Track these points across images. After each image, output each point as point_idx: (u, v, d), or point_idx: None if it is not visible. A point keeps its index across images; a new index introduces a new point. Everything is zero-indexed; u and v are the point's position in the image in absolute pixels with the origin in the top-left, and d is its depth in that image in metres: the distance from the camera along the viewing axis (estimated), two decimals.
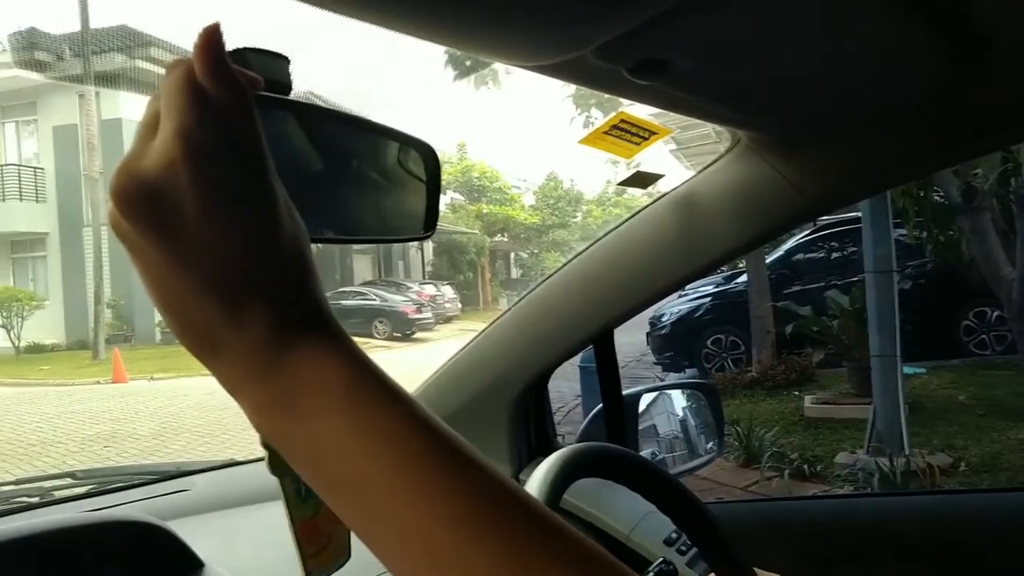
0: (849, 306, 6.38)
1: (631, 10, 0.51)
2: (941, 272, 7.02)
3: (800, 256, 8.55)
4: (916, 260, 7.11)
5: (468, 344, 1.24)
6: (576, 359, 2.33)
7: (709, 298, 8.48)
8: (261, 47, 0.48)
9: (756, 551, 0.85)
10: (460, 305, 21.26)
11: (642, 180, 0.99)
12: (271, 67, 0.46)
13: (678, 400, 1.52)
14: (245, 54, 0.46)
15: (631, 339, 9.31)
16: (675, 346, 8.43)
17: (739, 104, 0.77)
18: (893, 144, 0.85)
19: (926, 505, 1.29)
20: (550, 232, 29.32)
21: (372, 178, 0.54)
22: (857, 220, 6.54)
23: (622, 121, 0.79)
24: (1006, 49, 0.69)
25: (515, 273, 30.51)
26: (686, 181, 1.02)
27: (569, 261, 1.14)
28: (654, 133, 0.81)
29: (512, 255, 31.21)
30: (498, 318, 1.22)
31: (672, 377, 8.13)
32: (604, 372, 1.18)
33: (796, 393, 6.68)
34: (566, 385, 7.17)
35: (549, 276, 1.17)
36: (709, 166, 0.98)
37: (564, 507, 1.11)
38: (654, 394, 1.39)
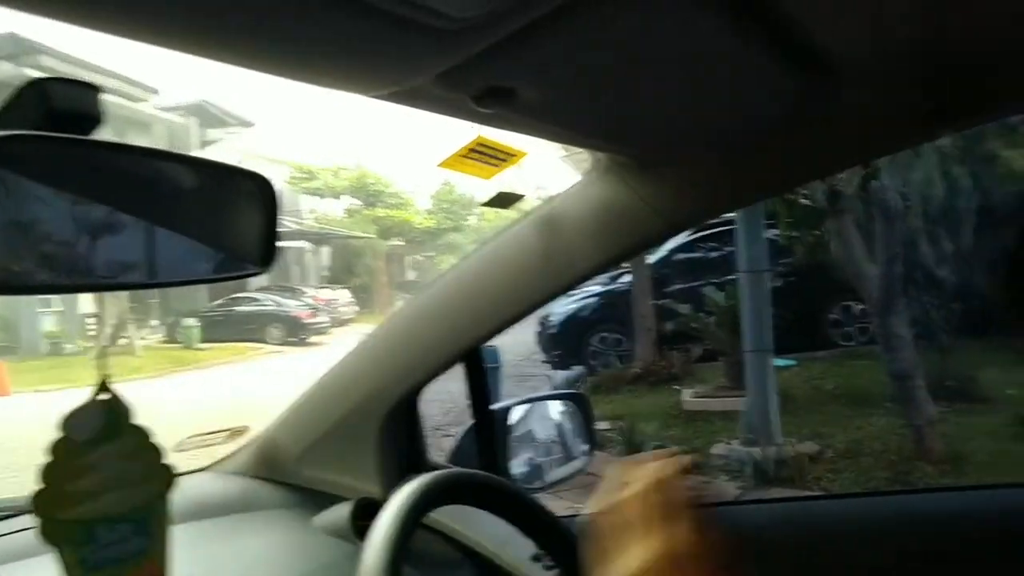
0: (725, 303, 6.71)
1: (468, 40, 0.50)
2: (810, 270, 7.50)
3: (681, 256, 8.93)
4: (787, 259, 7.58)
5: (338, 362, 1.20)
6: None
7: (596, 297, 8.75)
8: (67, 76, 0.45)
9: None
10: (357, 308, 21.28)
11: (504, 200, 0.99)
12: (77, 98, 0.43)
13: (553, 408, 1.54)
14: (46, 85, 0.42)
15: (520, 338, 9.43)
16: (563, 344, 8.64)
17: (592, 130, 0.78)
18: (749, 165, 0.87)
19: (915, 504, 1.32)
20: (444, 235, 29.49)
21: (198, 216, 0.51)
22: (733, 222, 6.93)
23: (479, 144, 0.79)
24: (851, 76, 0.73)
25: (411, 275, 30.48)
26: (552, 199, 1.03)
27: (438, 279, 1.13)
28: (512, 155, 0.82)
29: (408, 258, 31.20)
30: (368, 336, 1.19)
31: (559, 375, 8.32)
32: (473, 388, 1.18)
33: (676, 388, 6.96)
34: (455, 385, 7.15)
35: (418, 294, 1.16)
36: (572, 186, 1.00)
37: (433, 526, 1.10)
38: (526, 406, 1.40)
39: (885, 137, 0.77)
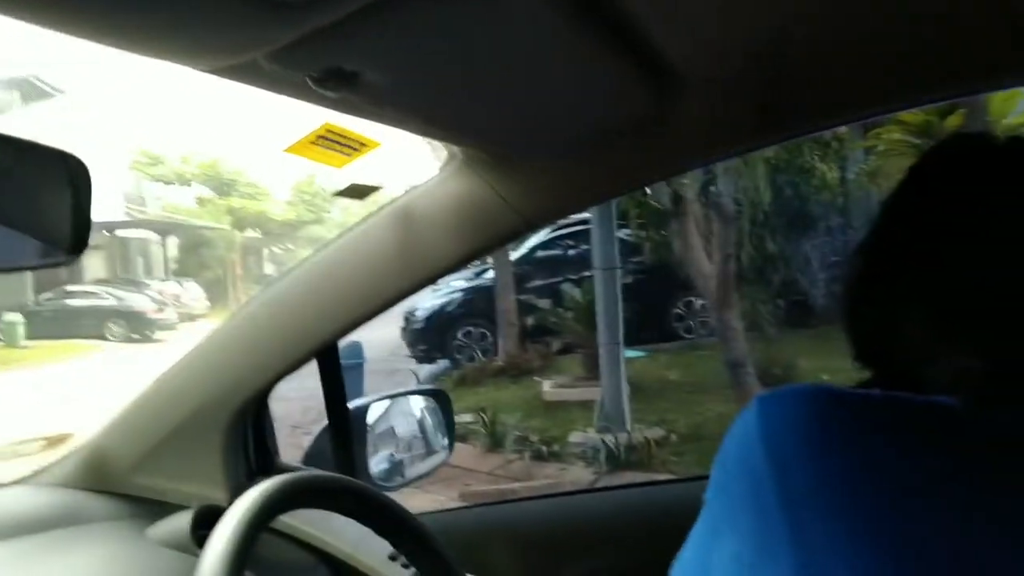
0: (581, 299, 6.95)
1: (306, 15, 0.47)
2: (657, 267, 7.94)
3: (542, 254, 9.18)
4: (637, 257, 7.98)
5: (178, 361, 1.12)
6: None
7: (460, 293, 8.81)
8: None
9: (477, 559, 0.87)
10: (208, 303, 20.16)
11: (357, 192, 0.96)
12: None
13: (416, 403, 1.53)
14: None
15: (385, 334, 9.31)
16: (428, 339, 8.63)
17: (443, 122, 0.77)
18: (601, 164, 0.89)
19: (647, 496, 1.40)
20: (305, 228, 28.49)
21: None
22: (589, 222, 7.21)
23: (328, 131, 0.75)
24: (694, 81, 0.76)
25: (269, 269, 29.18)
26: (407, 193, 1.01)
27: (286, 274, 1.08)
28: (364, 145, 0.79)
29: (265, 251, 29.87)
30: (213, 332, 1.12)
31: (425, 369, 8.30)
32: (328, 387, 1.14)
33: (537, 379, 7.14)
34: (314, 382, 6.94)
35: (266, 289, 1.10)
36: (428, 180, 0.98)
37: (283, 530, 1.06)
38: (386, 402, 1.37)
39: (727, 141, 0.82)
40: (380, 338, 8.40)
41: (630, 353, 6.00)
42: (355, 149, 0.80)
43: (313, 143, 0.75)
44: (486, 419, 5.47)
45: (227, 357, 1.07)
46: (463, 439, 5.17)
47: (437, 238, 0.96)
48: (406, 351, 9.02)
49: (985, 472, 0.44)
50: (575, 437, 5.37)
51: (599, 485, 4.28)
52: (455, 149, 0.93)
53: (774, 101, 0.78)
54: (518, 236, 0.95)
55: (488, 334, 8.50)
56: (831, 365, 6.45)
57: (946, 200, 0.52)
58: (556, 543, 1.13)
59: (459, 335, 8.59)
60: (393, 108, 0.67)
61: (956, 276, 0.50)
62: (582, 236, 8.76)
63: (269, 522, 0.71)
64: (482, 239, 0.95)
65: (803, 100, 0.79)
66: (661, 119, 0.82)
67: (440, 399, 1.47)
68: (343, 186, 0.95)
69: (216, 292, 21.55)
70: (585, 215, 7.85)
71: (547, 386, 6.69)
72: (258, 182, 27.32)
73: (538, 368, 7.47)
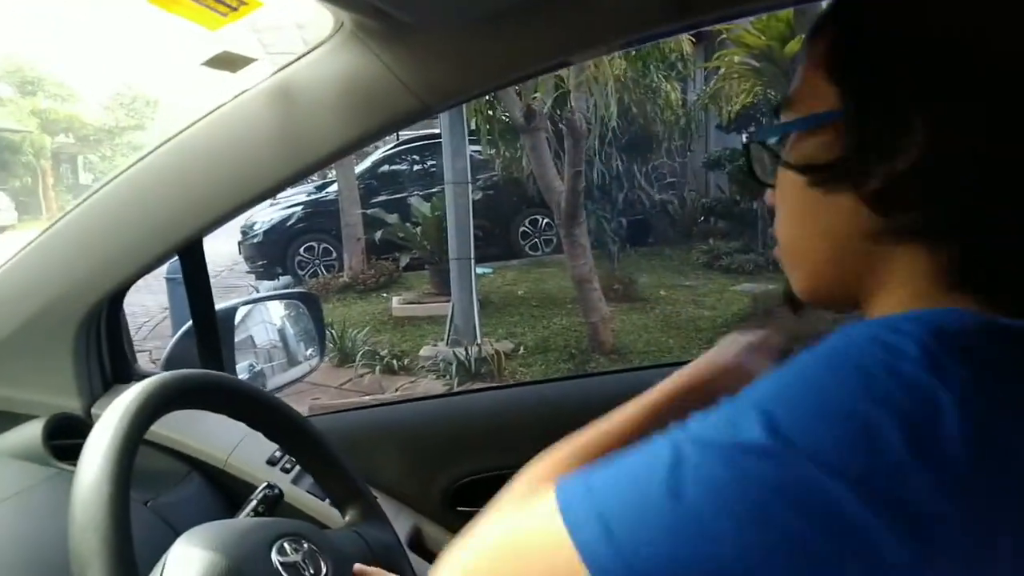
0: (430, 214, 6.87)
1: None
2: (506, 184, 8.01)
3: (386, 168, 8.95)
4: (485, 173, 7.98)
5: (18, 256, 0.97)
6: (162, 269, 2.05)
7: (301, 207, 8.43)
8: None
9: (366, 458, 0.85)
10: (16, 213, 18.48)
11: (230, 62, 0.85)
12: None
13: (276, 310, 1.44)
14: None
15: (222, 248, 8.77)
16: (268, 254, 8.23)
17: None
18: (507, 41, 0.83)
19: (527, 394, 1.42)
20: (124, 134, 25.79)
21: None
22: (435, 136, 7.05)
23: None
24: None
25: (85, 178, 26.25)
26: (283, 68, 0.91)
27: (141, 158, 0.95)
28: (244, 3, 0.69)
29: (81, 158, 26.80)
30: (51, 226, 0.98)
31: (266, 285, 7.94)
32: (193, 287, 1.04)
33: (384, 295, 7.06)
34: (151, 298, 6.44)
35: (117, 175, 0.97)
36: (310, 52, 0.89)
37: (150, 439, 0.97)
38: (251, 306, 1.29)
39: (636, 24, 0.80)
40: (215, 252, 7.90)
41: (478, 270, 6.06)
42: (234, 9, 0.70)
43: None
44: (334, 334, 5.36)
45: (76, 252, 0.94)
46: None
47: (321, 118, 0.88)
48: (244, 266, 8.58)
49: None
50: (426, 351, 5.40)
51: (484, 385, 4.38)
52: (342, 16, 0.84)
53: None
54: (412, 119, 0.88)
55: (332, 249, 8.23)
56: (668, 282, 6.94)
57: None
58: (443, 442, 1.13)
59: (300, 250, 8.26)
60: None
61: None
62: (428, 150, 8.62)
63: (150, 426, 0.64)
64: (371, 121, 0.88)
65: None
66: None
67: (309, 303, 1.40)
68: (212, 55, 0.84)
69: (26, 201, 19.49)
70: (432, 129, 7.72)
71: (396, 302, 6.64)
72: (67, 82, 24.35)
73: (385, 284, 7.39)
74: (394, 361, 5.22)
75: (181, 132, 0.93)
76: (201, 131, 0.93)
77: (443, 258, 6.10)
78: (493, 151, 7.22)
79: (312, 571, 0.69)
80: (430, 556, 1.08)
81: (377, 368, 5.13)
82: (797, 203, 0.47)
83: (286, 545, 0.68)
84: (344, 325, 5.66)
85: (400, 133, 8.90)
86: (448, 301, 5.63)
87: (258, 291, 7.52)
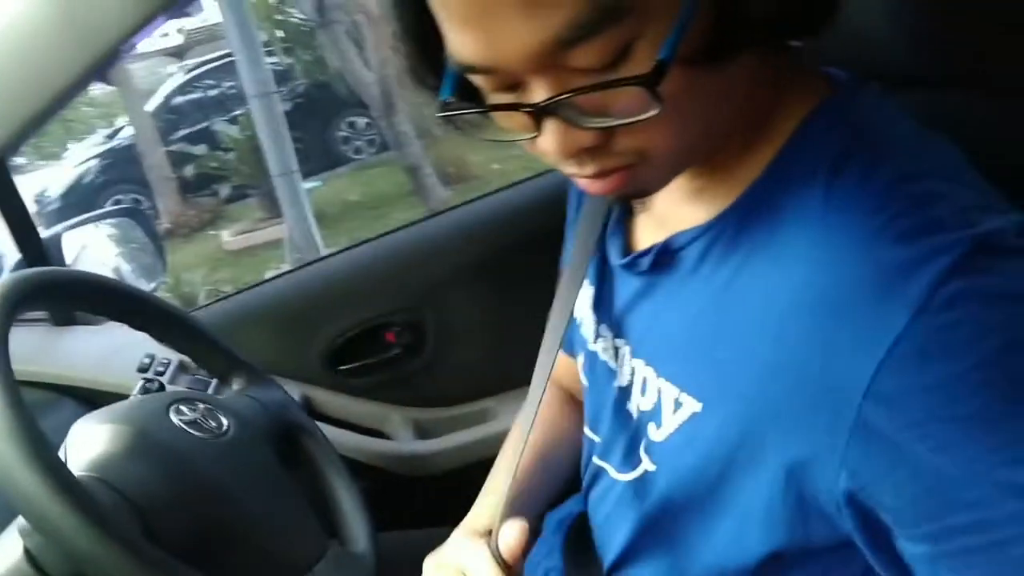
0: (240, 135, 6.49)
1: None
2: (313, 90, 7.61)
3: (180, 99, 8.22)
4: (288, 84, 7.53)
5: None
6: None
7: (96, 160, 7.65)
8: None
9: (238, 343, 0.88)
10: None
11: None
12: None
13: (106, 231, 1.39)
14: None
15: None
16: (68, 217, 7.46)
17: None
18: None
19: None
20: None
21: None
22: (225, 55, 6.52)
23: None
24: None
25: None
26: None
27: None
28: None
29: None
30: None
31: None
32: (11, 215, 0.99)
33: (213, 232, 6.71)
34: None
35: None
36: None
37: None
38: (77, 230, 1.24)
39: None
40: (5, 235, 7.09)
41: (306, 185, 5.85)
42: None
43: None
44: (170, 284, 5.07)
45: None
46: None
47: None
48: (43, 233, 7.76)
49: None
50: (272, 273, 5.26)
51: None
52: None
53: None
54: None
55: (141, 198, 7.61)
56: (500, 154, 7.00)
57: None
58: (310, 310, 1.17)
59: (108, 205, 7.58)
60: None
61: None
62: (222, 71, 7.98)
63: (13, 319, 0.64)
64: None
65: None
66: None
67: (137, 217, 1.37)
68: None
69: None
70: (221, 50, 7.10)
71: (226, 235, 6.34)
72: None
73: (211, 221, 7.00)
74: None
75: None
76: None
77: (266, 179, 5.83)
78: (292, 59, 6.83)
79: (214, 424, 0.73)
80: (323, 419, 1.15)
81: None
82: (702, 93, 0.41)
83: (183, 407, 0.73)
84: (177, 272, 5.36)
85: (186, 60, 8.16)
86: (283, 222, 5.45)
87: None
